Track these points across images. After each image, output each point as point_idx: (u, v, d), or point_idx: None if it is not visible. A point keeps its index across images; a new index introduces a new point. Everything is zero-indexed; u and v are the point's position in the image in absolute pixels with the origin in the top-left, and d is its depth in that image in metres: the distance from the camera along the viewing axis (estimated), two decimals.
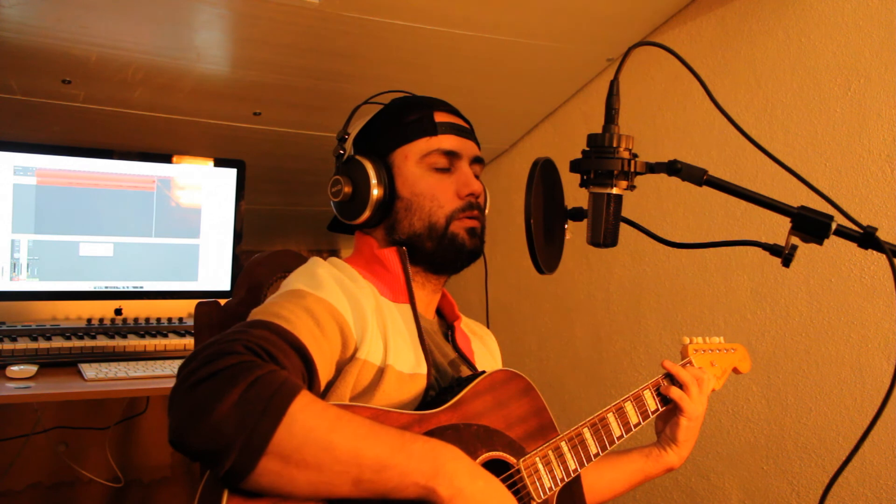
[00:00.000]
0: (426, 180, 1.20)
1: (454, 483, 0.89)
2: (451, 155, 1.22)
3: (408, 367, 1.11)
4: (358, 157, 1.20)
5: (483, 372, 1.15)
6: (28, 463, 2.24)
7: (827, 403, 1.82)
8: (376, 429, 0.89)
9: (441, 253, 1.20)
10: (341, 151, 1.24)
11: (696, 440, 1.35)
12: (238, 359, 0.86)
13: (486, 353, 1.37)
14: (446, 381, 1.17)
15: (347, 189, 1.20)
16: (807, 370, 1.85)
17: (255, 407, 0.82)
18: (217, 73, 2.01)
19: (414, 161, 1.20)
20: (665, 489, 2.17)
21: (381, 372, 1.08)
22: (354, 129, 1.26)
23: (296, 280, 1.10)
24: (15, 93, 1.89)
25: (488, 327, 1.44)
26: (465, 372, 1.23)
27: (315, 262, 1.16)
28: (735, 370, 1.48)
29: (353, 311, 1.08)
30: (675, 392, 1.31)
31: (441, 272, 1.25)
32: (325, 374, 1.03)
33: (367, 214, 1.19)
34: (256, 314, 1.02)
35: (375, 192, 1.18)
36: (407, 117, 1.22)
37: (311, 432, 0.84)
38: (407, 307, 1.17)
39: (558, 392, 2.49)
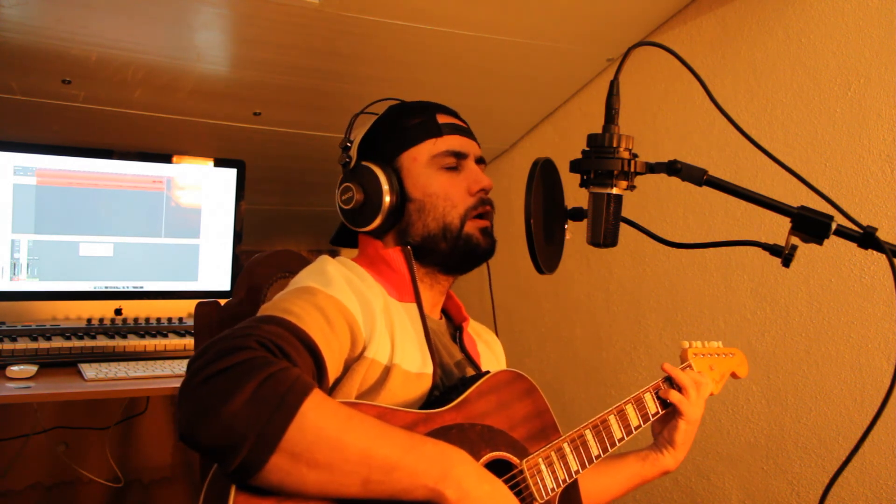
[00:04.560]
0: (437, 180, 1.20)
1: (462, 486, 0.90)
2: (458, 155, 1.22)
3: (414, 367, 1.11)
4: (365, 164, 1.20)
5: (487, 372, 1.15)
6: (28, 463, 2.24)
7: (827, 403, 1.82)
8: (387, 430, 0.90)
9: (456, 254, 1.20)
10: (347, 159, 1.24)
11: (691, 444, 1.36)
12: (251, 354, 0.86)
13: (490, 356, 1.37)
14: (452, 382, 1.17)
15: (359, 196, 1.19)
16: (807, 370, 1.85)
17: (267, 404, 0.82)
18: (217, 73, 2.01)
19: (423, 162, 1.20)
20: (665, 489, 2.17)
21: (387, 371, 1.08)
22: (356, 137, 1.26)
23: (306, 277, 1.10)
24: (15, 93, 1.89)
25: (496, 333, 1.43)
26: (471, 373, 1.23)
27: (325, 260, 1.16)
28: (733, 375, 1.48)
29: (363, 310, 1.08)
30: (674, 395, 1.31)
31: (453, 273, 1.25)
32: (333, 371, 1.03)
33: (380, 219, 1.18)
34: (266, 310, 1.02)
35: (387, 196, 1.18)
36: (409, 121, 1.23)
37: (322, 431, 0.84)
38: (413, 307, 1.18)
39: (558, 392, 2.49)
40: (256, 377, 0.83)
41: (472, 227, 1.21)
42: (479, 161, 1.26)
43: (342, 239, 1.32)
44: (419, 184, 1.20)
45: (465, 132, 1.25)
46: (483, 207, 1.22)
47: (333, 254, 1.24)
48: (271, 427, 0.81)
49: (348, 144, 1.25)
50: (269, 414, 0.81)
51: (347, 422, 0.87)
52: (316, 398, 0.85)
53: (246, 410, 0.81)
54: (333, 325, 1.02)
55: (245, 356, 0.85)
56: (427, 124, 1.22)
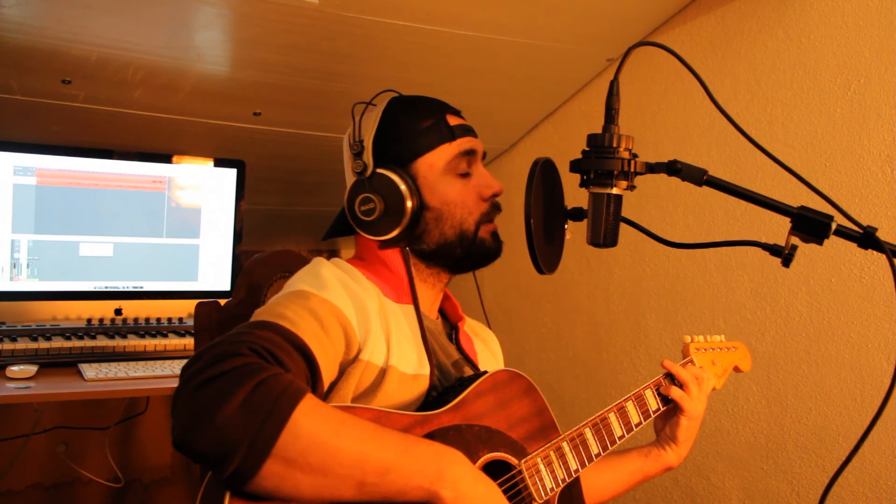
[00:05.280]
0: (454, 188, 1.19)
1: (458, 487, 0.90)
2: (469, 153, 1.22)
3: (411, 368, 1.11)
4: (384, 172, 1.17)
5: (485, 372, 1.15)
6: (28, 463, 2.24)
7: (827, 403, 1.82)
8: (380, 432, 0.89)
9: (470, 258, 1.21)
10: (363, 166, 1.18)
11: (695, 439, 1.36)
12: (243, 360, 0.86)
13: (488, 354, 1.37)
14: (449, 382, 1.17)
15: (381, 206, 1.16)
16: (807, 370, 1.85)
17: (260, 410, 0.82)
18: (217, 73, 2.00)
19: (440, 170, 1.19)
20: (665, 489, 2.17)
21: (382, 373, 1.08)
22: (366, 139, 1.20)
23: (300, 280, 1.10)
24: (15, 93, 1.89)
25: (489, 328, 1.44)
26: (469, 373, 1.23)
27: (319, 262, 1.15)
28: (736, 369, 1.48)
29: (357, 313, 1.07)
30: (675, 392, 1.31)
31: (459, 272, 1.25)
32: (328, 375, 1.02)
33: (399, 230, 1.17)
34: (260, 314, 1.01)
35: (410, 205, 1.16)
36: (420, 123, 1.20)
37: (315, 436, 0.84)
38: (410, 307, 1.17)
39: (558, 392, 2.49)
40: (248, 383, 0.83)
41: (484, 232, 1.21)
42: (482, 157, 1.27)
43: (335, 232, 1.30)
44: (437, 192, 1.19)
45: (473, 132, 1.25)
46: (496, 212, 1.23)
47: (334, 254, 1.23)
48: (264, 433, 0.81)
49: (361, 148, 1.19)
50: (261, 420, 0.81)
51: (340, 426, 0.86)
52: (308, 403, 0.85)
53: (238, 417, 0.81)
54: (327, 329, 1.02)
55: (237, 362, 0.85)
56: (440, 127, 1.20)
